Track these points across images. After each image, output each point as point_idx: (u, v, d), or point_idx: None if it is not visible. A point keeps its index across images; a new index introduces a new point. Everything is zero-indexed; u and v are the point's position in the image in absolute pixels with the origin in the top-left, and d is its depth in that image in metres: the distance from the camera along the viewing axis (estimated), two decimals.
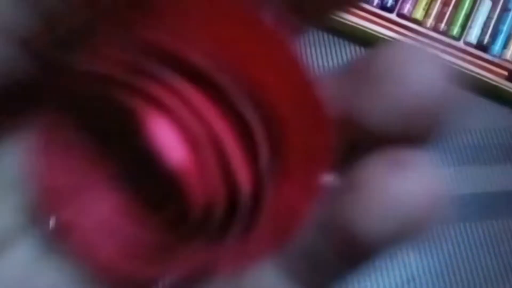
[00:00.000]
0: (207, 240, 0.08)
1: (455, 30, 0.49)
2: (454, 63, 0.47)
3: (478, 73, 0.47)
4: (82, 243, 0.08)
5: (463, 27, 0.49)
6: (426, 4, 0.49)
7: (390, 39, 0.48)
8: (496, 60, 0.48)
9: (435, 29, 0.49)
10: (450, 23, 0.49)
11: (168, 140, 0.07)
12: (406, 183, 0.09)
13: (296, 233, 0.08)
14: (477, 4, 0.49)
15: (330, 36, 0.50)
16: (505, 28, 0.49)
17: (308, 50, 0.49)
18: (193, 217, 0.07)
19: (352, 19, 0.48)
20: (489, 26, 0.49)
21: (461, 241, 0.42)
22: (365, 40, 0.49)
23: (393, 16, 0.49)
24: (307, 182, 0.07)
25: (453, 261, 0.41)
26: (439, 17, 0.49)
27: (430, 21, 0.49)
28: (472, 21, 0.49)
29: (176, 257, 0.08)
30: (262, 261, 0.08)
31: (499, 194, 0.44)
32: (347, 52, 0.49)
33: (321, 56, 0.49)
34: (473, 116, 0.48)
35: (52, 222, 0.08)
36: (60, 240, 0.08)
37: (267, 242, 0.08)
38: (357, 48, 0.49)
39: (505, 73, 0.48)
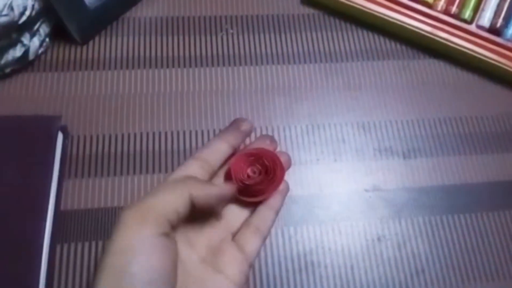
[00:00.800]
0: (265, 184, 0.35)
1: (467, 13, 0.47)
2: (465, 47, 0.46)
3: (490, 58, 0.46)
4: (236, 179, 0.34)
5: (475, 10, 0.47)
6: None
7: (400, 22, 0.46)
8: (509, 44, 0.46)
9: (446, 12, 0.47)
10: (462, 6, 0.47)
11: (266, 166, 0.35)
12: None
13: (278, 187, 0.35)
14: None
15: (340, 21, 0.48)
16: None
17: (318, 35, 0.47)
18: (265, 179, 0.35)
19: (362, 3, 0.46)
20: (502, 9, 0.47)
21: (472, 231, 0.41)
22: (375, 24, 0.47)
23: None
24: (280, 180, 0.35)
25: (464, 252, 0.40)
26: (450, 0, 0.47)
27: (441, 4, 0.47)
28: (485, 4, 0.47)
29: (258, 189, 0.34)
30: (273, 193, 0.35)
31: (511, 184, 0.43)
32: (356, 36, 0.48)
33: (330, 40, 0.47)
34: (484, 102, 0.46)
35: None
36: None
37: (273, 188, 0.35)
38: (367, 32, 0.48)
39: None
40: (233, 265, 0.32)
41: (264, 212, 0.35)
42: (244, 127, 0.37)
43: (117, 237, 0.27)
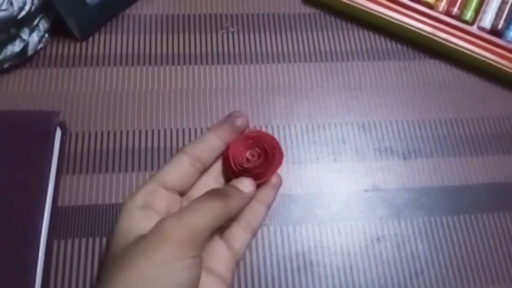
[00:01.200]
0: (263, 168, 0.34)
1: (468, 15, 0.47)
2: (466, 49, 0.46)
3: (491, 59, 0.45)
4: (235, 162, 0.34)
5: (477, 11, 0.47)
6: None
7: (401, 22, 0.46)
8: (510, 46, 0.46)
9: (447, 13, 0.47)
10: (463, 7, 0.47)
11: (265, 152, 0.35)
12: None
13: (276, 171, 0.35)
14: None
15: (341, 20, 0.48)
16: None
17: (319, 34, 0.47)
18: (264, 163, 0.35)
19: (363, 2, 0.46)
20: (503, 11, 0.47)
21: (472, 233, 0.40)
22: (376, 24, 0.47)
23: (404, 0, 0.47)
24: (278, 163, 0.35)
25: (464, 253, 0.40)
26: (452, 1, 0.47)
27: (442, 5, 0.47)
28: (486, 5, 0.47)
29: (257, 173, 0.34)
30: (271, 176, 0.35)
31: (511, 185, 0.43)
32: (357, 36, 0.47)
33: (331, 39, 0.47)
34: (485, 104, 0.46)
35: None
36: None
37: (271, 172, 0.35)
38: (368, 32, 0.48)
39: None
40: (222, 264, 0.32)
41: (256, 207, 0.35)
42: (240, 122, 0.35)
43: (156, 251, 0.27)
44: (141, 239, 0.28)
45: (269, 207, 0.36)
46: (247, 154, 0.35)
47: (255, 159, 0.35)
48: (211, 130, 0.35)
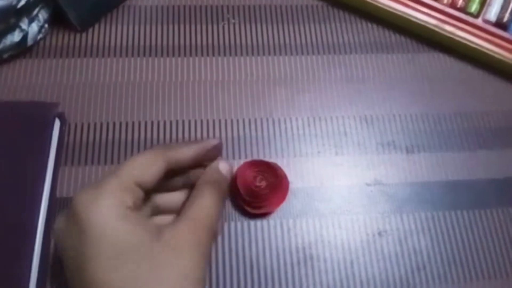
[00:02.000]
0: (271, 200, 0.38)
1: (474, 7, 0.46)
2: (471, 42, 0.45)
3: (496, 52, 0.45)
4: (242, 185, 0.37)
5: (482, 3, 0.46)
6: None
7: (405, 15, 0.45)
8: None
9: (452, 5, 0.46)
10: None
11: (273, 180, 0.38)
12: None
13: (282, 203, 0.38)
14: None
15: (344, 12, 0.47)
16: None
17: (321, 26, 0.47)
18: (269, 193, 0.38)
19: None
20: (509, 3, 0.46)
21: (475, 228, 0.40)
22: (380, 16, 0.47)
23: None
24: (284, 194, 0.38)
25: (466, 248, 0.39)
26: None
27: None
28: None
29: (262, 202, 0.37)
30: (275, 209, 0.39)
31: None
32: (360, 29, 0.47)
33: (334, 32, 0.46)
34: (489, 97, 0.45)
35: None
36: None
37: (276, 204, 0.38)
38: (371, 24, 0.47)
39: None
40: None
41: None
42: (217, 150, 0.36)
43: (199, 254, 0.29)
44: (175, 243, 0.29)
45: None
46: (256, 180, 0.37)
47: (263, 184, 0.37)
48: (194, 149, 0.34)
